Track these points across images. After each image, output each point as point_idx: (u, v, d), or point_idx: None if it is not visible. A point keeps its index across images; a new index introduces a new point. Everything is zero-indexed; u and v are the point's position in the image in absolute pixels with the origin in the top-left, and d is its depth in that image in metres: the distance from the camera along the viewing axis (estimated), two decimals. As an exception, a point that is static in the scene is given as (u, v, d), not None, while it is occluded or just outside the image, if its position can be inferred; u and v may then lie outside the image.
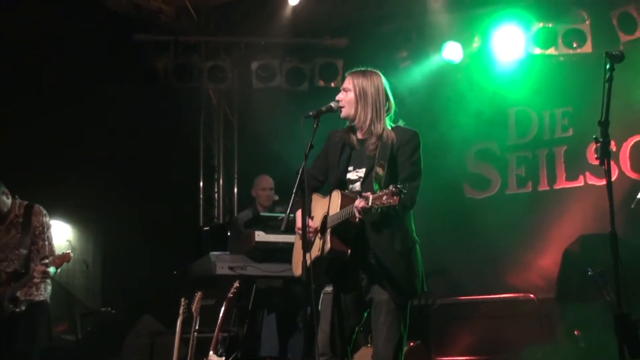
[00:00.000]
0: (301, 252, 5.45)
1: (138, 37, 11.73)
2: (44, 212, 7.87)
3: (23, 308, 7.59)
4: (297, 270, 5.63)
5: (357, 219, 5.14)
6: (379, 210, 4.96)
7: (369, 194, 4.94)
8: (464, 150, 11.55)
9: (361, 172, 5.43)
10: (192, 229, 11.45)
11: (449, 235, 11.06)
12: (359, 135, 5.52)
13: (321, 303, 5.41)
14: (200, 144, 12.79)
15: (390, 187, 4.82)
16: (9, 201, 7.80)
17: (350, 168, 5.50)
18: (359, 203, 5.00)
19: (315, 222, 5.46)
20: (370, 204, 4.90)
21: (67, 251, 7.69)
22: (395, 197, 4.77)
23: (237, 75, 12.45)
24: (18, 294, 7.56)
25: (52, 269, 7.50)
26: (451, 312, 10.78)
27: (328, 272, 5.36)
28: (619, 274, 4.75)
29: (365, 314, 5.46)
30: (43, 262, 7.53)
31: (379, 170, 5.21)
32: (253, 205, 10.14)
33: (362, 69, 5.59)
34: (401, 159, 5.35)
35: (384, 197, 4.82)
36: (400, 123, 5.54)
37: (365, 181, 5.36)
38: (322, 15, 11.57)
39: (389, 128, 5.45)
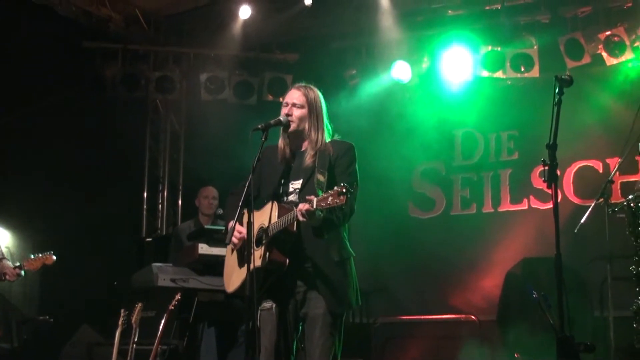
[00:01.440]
0: (232, 267, 5.49)
1: (87, 45, 11.63)
2: None
3: None
4: (229, 286, 5.62)
5: (295, 228, 5.16)
6: (322, 214, 4.99)
7: (312, 197, 4.94)
8: (410, 170, 11.57)
9: (297, 183, 5.44)
10: (135, 240, 11.34)
11: (393, 253, 11.08)
12: (296, 149, 5.55)
13: (260, 319, 5.33)
14: (145, 154, 12.67)
15: (335, 187, 4.82)
16: None
17: (283, 181, 5.50)
18: (303, 206, 4.98)
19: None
20: (315, 206, 4.89)
21: (49, 253, 7.66)
22: (342, 197, 4.77)
23: (185, 86, 12.38)
24: None
25: (23, 272, 7.51)
26: (392, 331, 10.82)
27: (264, 286, 5.27)
28: (562, 297, 4.79)
29: (301, 328, 5.44)
30: (17, 265, 7.52)
31: (320, 177, 5.23)
32: (195, 217, 10.07)
33: (307, 84, 5.65)
34: (338, 170, 5.38)
35: (330, 198, 4.81)
36: (336, 137, 5.59)
37: (303, 191, 5.36)
38: (273, 29, 11.56)
39: (327, 141, 5.50)
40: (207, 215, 9.93)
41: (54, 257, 7.76)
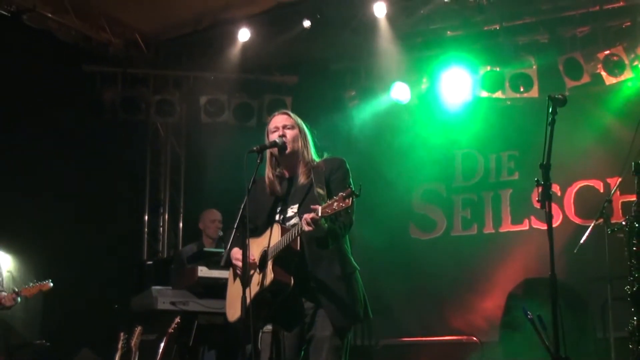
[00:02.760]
0: (235, 295, 5.46)
1: (86, 68, 11.66)
2: None
3: None
4: (231, 314, 5.60)
5: (298, 247, 5.18)
6: (327, 224, 5.02)
7: (317, 206, 4.94)
8: (411, 191, 11.55)
9: (295, 207, 5.45)
10: (136, 263, 11.32)
11: (393, 275, 11.04)
12: (290, 174, 5.60)
13: (261, 342, 5.35)
14: (146, 177, 12.67)
15: (340, 193, 4.84)
16: None
17: (280, 209, 5.53)
18: (308, 215, 4.97)
19: (253, 258, 5.40)
20: (320, 213, 4.89)
21: (46, 281, 7.78)
22: (347, 200, 4.80)
23: (185, 109, 12.41)
24: None
25: (19, 298, 7.64)
26: (394, 354, 10.78)
27: (269, 309, 5.26)
28: (557, 318, 4.76)
29: (302, 353, 5.41)
30: (15, 291, 7.64)
31: (320, 191, 5.25)
32: (199, 239, 10.06)
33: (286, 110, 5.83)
34: (334, 185, 5.40)
35: (335, 204, 4.83)
36: (326, 155, 5.65)
37: (301, 209, 5.37)
38: (272, 52, 11.58)
39: (317, 160, 5.56)
40: (212, 238, 9.92)
41: (51, 285, 7.93)
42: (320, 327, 5.29)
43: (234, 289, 5.62)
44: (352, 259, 5.46)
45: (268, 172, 5.60)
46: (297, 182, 5.50)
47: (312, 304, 5.34)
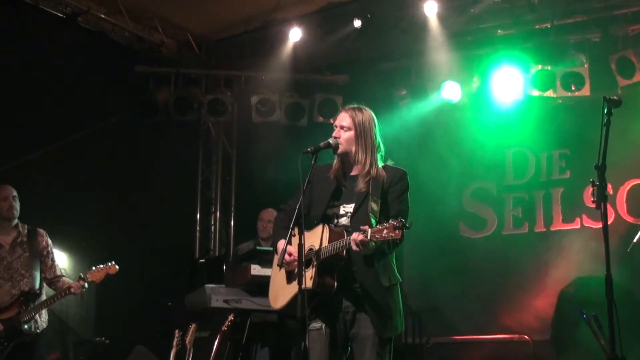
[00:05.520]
0: (279, 284, 5.57)
1: (139, 69, 11.79)
2: (47, 234, 8.05)
3: (44, 326, 7.71)
4: (276, 303, 5.68)
5: (345, 254, 5.20)
6: (374, 244, 5.01)
7: (367, 227, 4.97)
8: (461, 190, 11.54)
9: (349, 207, 5.47)
10: (188, 261, 11.43)
11: (444, 274, 11.04)
12: (348, 172, 5.59)
13: (309, 340, 5.32)
14: (198, 176, 12.76)
15: (391, 221, 4.86)
16: (17, 211, 7.97)
17: (337, 203, 5.54)
18: (357, 236, 5.01)
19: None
20: (369, 237, 4.92)
21: (111, 263, 7.81)
22: (397, 231, 4.83)
23: (237, 108, 12.48)
24: (37, 316, 7.68)
25: (86, 284, 7.70)
26: (445, 352, 10.78)
27: (309, 306, 5.22)
28: (613, 317, 4.76)
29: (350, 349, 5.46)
30: (81, 277, 7.69)
31: (374, 206, 5.27)
32: (255, 237, 10.12)
33: (358, 105, 5.67)
34: (391, 197, 5.41)
35: (385, 231, 4.85)
36: (389, 162, 5.61)
37: (355, 216, 5.39)
38: (323, 51, 11.63)
39: (380, 166, 5.51)
40: (265, 238, 9.96)
41: (117, 267, 7.89)
42: (364, 325, 5.33)
43: (278, 277, 5.68)
44: (396, 271, 5.49)
45: (336, 161, 5.61)
46: (357, 184, 5.47)
47: (351, 305, 5.38)
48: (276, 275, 5.75)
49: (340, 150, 5.52)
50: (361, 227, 5.02)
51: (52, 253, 8.12)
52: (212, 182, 12.89)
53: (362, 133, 5.51)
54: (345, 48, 11.52)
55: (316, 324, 5.41)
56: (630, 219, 10.29)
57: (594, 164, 4.94)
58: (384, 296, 5.34)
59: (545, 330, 10.07)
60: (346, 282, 5.31)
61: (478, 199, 11.54)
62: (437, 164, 11.18)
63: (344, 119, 5.59)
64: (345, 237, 5.16)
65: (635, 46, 10.06)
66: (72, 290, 7.72)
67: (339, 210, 5.52)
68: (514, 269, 10.92)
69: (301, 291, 5.09)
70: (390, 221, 4.87)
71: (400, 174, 5.52)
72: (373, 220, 5.10)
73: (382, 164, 5.55)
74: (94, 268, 7.90)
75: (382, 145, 5.58)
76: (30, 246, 7.98)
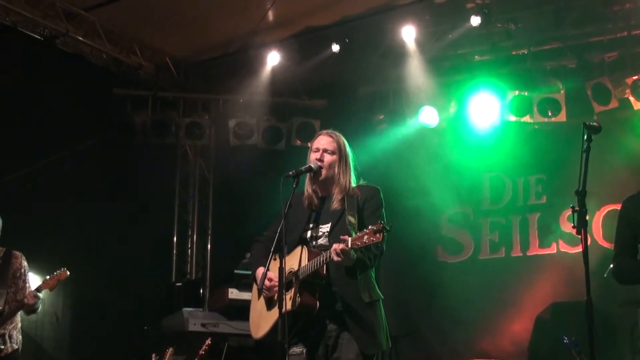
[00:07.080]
0: (259, 313, 5.57)
1: (117, 91, 11.76)
2: (23, 257, 7.99)
3: (15, 346, 7.63)
4: (257, 332, 5.66)
5: (325, 272, 5.23)
6: (356, 255, 5.04)
7: (346, 236, 4.99)
8: (439, 214, 11.55)
9: (326, 227, 5.52)
10: (164, 284, 11.37)
11: (421, 297, 11.08)
12: (322, 194, 5.64)
13: (288, 364, 5.36)
14: (175, 199, 12.74)
15: (371, 226, 4.88)
16: None
17: (312, 226, 5.57)
18: (338, 246, 5.03)
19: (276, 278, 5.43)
20: (350, 245, 4.93)
21: (62, 269, 7.78)
22: (378, 235, 4.83)
23: (214, 132, 12.50)
24: (6, 335, 7.61)
25: (41, 294, 7.64)
26: (421, 376, 10.74)
27: (292, 330, 5.26)
28: (594, 342, 4.77)
29: None
30: (36, 288, 7.66)
31: (352, 219, 5.33)
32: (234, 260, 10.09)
33: (333, 130, 5.79)
34: (367, 213, 5.48)
35: (365, 237, 4.87)
36: (362, 182, 5.69)
37: (332, 233, 5.44)
38: (301, 75, 11.66)
39: (354, 185, 5.60)
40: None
41: (68, 273, 7.86)
42: (346, 349, 5.32)
43: (258, 306, 5.69)
44: (377, 287, 5.51)
45: (307, 187, 5.66)
46: (331, 204, 5.54)
47: (335, 326, 5.38)
48: (256, 304, 5.75)
49: (322, 175, 5.57)
50: (341, 237, 5.05)
51: (25, 275, 8.04)
52: (189, 206, 12.87)
53: (344, 156, 5.64)
54: (323, 72, 11.57)
55: (297, 349, 5.41)
56: (605, 244, 10.31)
57: (575, 189, 4.97)
58: (366, 312, 5.35)
59: (521, 355, 10.06)
60: (328, 302, 5.31)
61: (456, 224, 11.56)
62: (415, 188, 11.19)
63: (327, 142, 5.66)
64: (325, 253, 5.17)
65: (611, 73, 10.16)
66: (26, 300, 7.68)
67: (316, 232, 5.55)
68: (491, 293, 10.92)
69: (281, 315, 5.08)
70: (369, 227, 4.89)
71: (373, 191, 5.61)
72: (352, 232, 5.13)
73: (356, 184, 5.64)
74: (47, 277, 7.89)
75: (355, 169, 5.69)
76: (3, 267, 7.93)
